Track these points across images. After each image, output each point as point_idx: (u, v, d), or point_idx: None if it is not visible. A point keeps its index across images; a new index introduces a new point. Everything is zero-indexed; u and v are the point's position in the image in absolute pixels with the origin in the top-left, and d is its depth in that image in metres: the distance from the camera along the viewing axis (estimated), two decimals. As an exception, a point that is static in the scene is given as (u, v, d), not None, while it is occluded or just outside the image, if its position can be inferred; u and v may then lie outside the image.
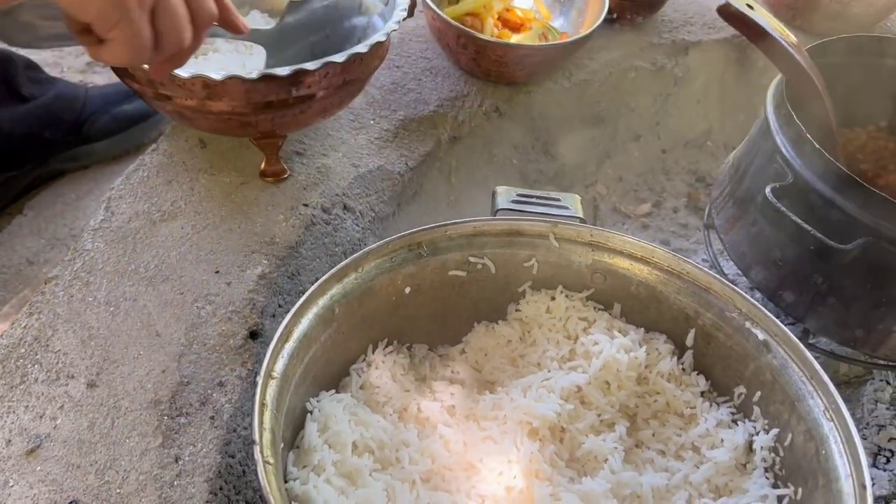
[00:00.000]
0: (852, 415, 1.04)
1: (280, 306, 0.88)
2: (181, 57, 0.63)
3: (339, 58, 0.82)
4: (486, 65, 1.14)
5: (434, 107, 1.14)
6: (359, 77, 0.89)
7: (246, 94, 0.82)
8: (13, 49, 1.49)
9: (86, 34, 0.55)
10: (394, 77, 1.17)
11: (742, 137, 1.38)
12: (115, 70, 0.86)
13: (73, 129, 1.33)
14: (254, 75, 0.79)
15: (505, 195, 0.83)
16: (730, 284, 0.73)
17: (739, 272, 1.02)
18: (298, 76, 0.81)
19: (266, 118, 0.88)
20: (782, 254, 0.93)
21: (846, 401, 1.07)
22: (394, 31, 0.88)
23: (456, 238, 0.78)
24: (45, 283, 0.87)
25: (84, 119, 1.34)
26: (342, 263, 0.70)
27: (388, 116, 1.11)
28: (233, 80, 0.79)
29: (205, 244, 0.89)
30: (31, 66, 1.36)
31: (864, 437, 1.01)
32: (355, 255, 0.71)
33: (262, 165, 0.97)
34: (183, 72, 0.78)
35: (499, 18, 1.25)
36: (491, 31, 1.22)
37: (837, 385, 1.08)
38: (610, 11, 1.20)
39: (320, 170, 1.01)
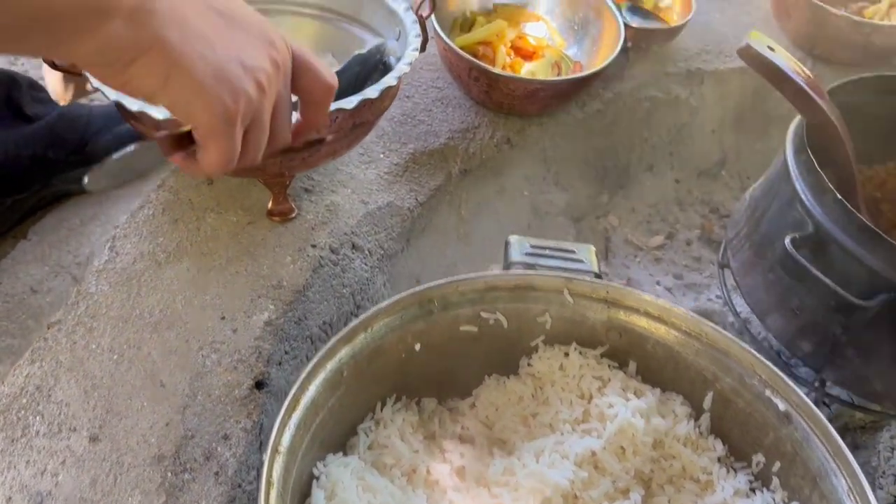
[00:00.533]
0: (867, 462, 1.03)
1: (286, 353, 0.87)
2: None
3: (348, 104, 0.80)
4: (498, 97, 1.12)
5: (445, 139, 1.12)
6: (369, 119, 0.87)
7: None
8: (15, 69, 1.48)
9: (177, 146, 0.54)
10: (404, 108, 1.15)
11: (757, 167, 1.36)
12: (121, 110, 0.84)
13: (77, 148, 1.31)
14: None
15: (518, 246, 0.81)
16: (750, 349, 0.71)
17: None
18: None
19: (274, 162, 0.86)
20: (801, 303, 0.91)
21: (860, 447, 1.06)
22: (405, 73, 0.86)
23: (468, 293, 0.76)
24: (49, 329, 0.85)
25: (88, 138, 1.32)
26: (351, 325, 0.69)
27: (397, 150, 1.09)
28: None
29: (211, 288, 0.88)
30: (35, 86, 1.35)
31: (879, 487, 0.99)
32: (364, 316, 0.70)
33: (270, 204, 0.95)
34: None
35: (511, 46, 1.23)
36: (503, 60, 1.20)
37: (852, 430, 1.07)
38: (625, 40, 1.18)
39: (329, 207, 0.99)
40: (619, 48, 1.12)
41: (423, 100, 1.17)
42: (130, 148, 0.63)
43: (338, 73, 0.90)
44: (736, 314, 1.09)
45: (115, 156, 0.62)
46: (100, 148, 1.33)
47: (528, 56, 1.25)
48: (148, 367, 0.81)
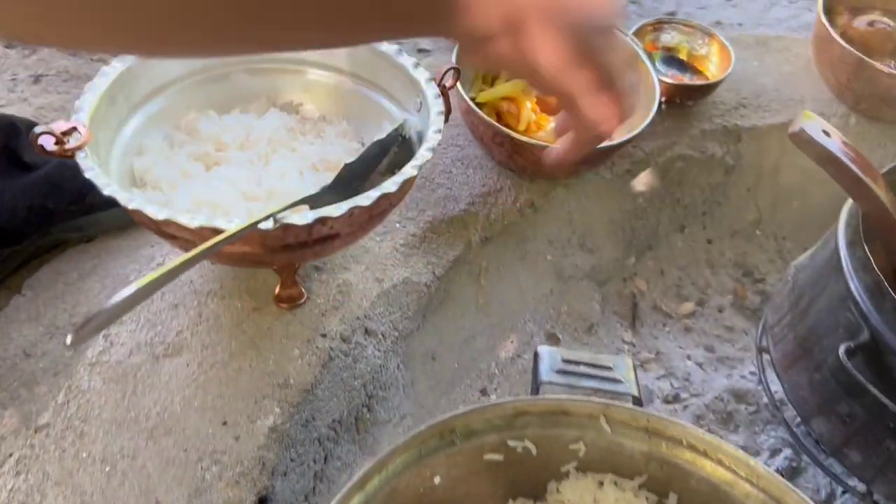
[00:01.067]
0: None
1: (293, 460, 0.80)
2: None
3: (365, 200, 0.73)
4: (522, 162, 1.04)
5: (465, 204, 1.05)
6: (386, 209, 0.80)
7: (261, 239, 0.73)
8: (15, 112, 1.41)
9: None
10: (422, 170, 1.07)
11: (794, 227, 1.28)
12: (137, 216, 0.77)
13: (76, 198, 1.25)
14: (270, 225, 0.70)
15: (548, 361, 0.74)
16: (806, 499, 0.64)
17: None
18: (321, 222, 0.72)
19: (283, 257, 0.79)
20: (850, 411, 0.84)
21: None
22: (427, 160, 0.78)
23: (494, 420, 0.69)
24: (36, 433, 0.79)
25: (88, 188, 1.25)
26: (364, 469, 0.62)
27: (415, 218, 1.02)
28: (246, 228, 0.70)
29: (212, 387, 0.81)
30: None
31: None
32: (380, 457, 0.63)
33: (278, 289, 0.88)
34: (186, 219, 0.69)
35: (537, 102, 1.15)
36: (528, 118, 1.12)
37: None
38: (660, 97, 1.10)
39: (341, 289, 0.92)
40: (654, 108, 1.05)
41: (443, 159, 1.10)
42: (120, 297, 0.57)
43: (355, 161, 0.83)
44: (772, 399, 1.01)
45: (107, 305, 0.56)
46: (100, 198, 1.26)
47: (553, 111, 1.17)
48: (143, 481, 0.74)
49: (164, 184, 0.85)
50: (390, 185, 0.75)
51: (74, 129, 0.76)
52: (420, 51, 1.75)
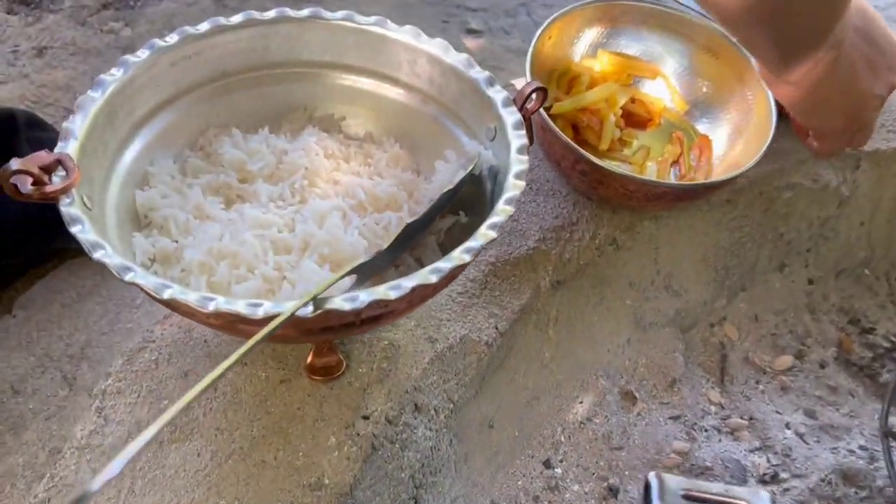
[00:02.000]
0: None
1: (325, 586, 0.64)
2: None
3: (433, 276, 0.56)
4: (606, 193, 0.86)
5: (534, 241, 0.87)
6: (454, 277, 0.63)
7: (295, 321, 0.56)
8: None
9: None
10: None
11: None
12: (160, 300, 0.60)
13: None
14: (309, 311, 0.53)
15: (663, 496, 0.57)
16: None
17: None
18: (375, 305, 0.55)
19: (321, 337, 0.63)
20: None
21: None
22: (501, 223, 0.61)
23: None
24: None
25: None
26: None
27: (475, 260, 0.84)
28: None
29: (227, 487, 0.65)
30: (34, 123, 1.11)
31: None
32: None
33: (310, 357, 0.71)
34: (198, 301, 0.52)
35: (623, 115, 0.96)
36: (612, 134, 0.93)
37: None
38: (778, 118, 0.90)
39: (387, 353, 0.75)
40: (771, 135, 0.85)
41: (508, 184, 0.91)
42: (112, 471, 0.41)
43: (418, 220, 0.66)
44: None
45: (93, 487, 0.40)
46: None
47: (640, 124, 0.98)
48: None
49: (174, 225, 0.68)
50: (464, 254, 0.57)
51: (59, 162, 0.59)
52: (469, 31, 1.55)
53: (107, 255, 0.55)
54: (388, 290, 0.54)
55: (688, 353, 1.01)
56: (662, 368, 0.98)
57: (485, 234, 0.59)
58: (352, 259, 0.67)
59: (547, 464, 0.89)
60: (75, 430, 0.68)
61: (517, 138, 0.67)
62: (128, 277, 0.54)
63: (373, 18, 0.76)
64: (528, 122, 0.70)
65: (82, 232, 0.56)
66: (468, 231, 0.71)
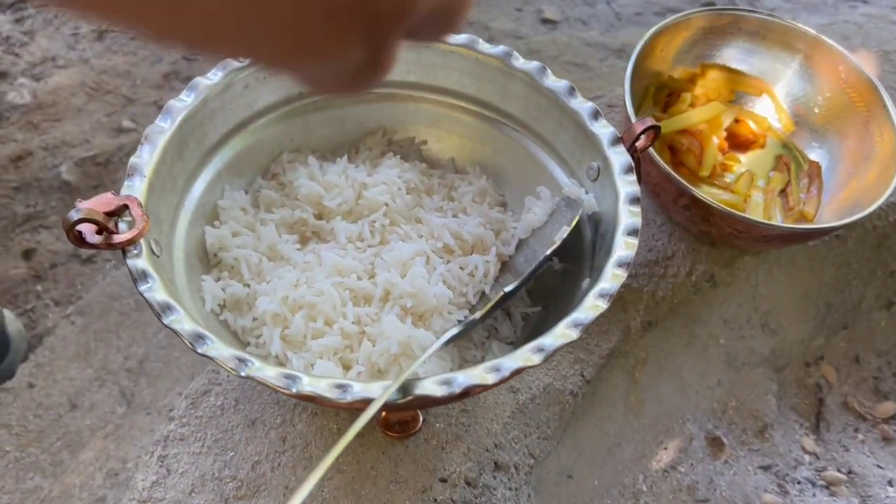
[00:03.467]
0: None
1: None
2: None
3: (537, 357, 0.49)
4: (710, 230, 0.78)
5: (626, 278, 0.79)
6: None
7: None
8: None
9: None
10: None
11: None
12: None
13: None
14: (397, 397, 0.47)
15: None
16: None
17: None
18: (471, 389, 0.48)
19: (404, 413, 0.57)
20: None
21: None
22: (618, 286, 0.54)
23: None
24: None
25: None
26: None
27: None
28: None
29: (296, 556, 0.60)
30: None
31: None
32: None
33: (385, 411, 0.66)
34: (275, 379, 0.47)
35: (727, 137, 0.88)
36: (714, 159, 0.85)
37: None
38: None
39: (465, 407, 0.69)
40: (898, 173, 0.76)
41: (598, 212, 0.84)
42: None
43: (517, 287, 0.59)
44: None
45: None
46: None
47: (742, 145, 0.89)
48: None
49: (246, 268, 0.62)
50: (571, 330, 0.51)
51: (125, 207, 0.53)
52: (544, 21, 1.46)
53: (178, 320, 0.50)
54: (485, 374, 0.48)
55: (781, 395, 0.93)
56: (753, 412, 0.91)
57: (594, 305, 0.53)
58: (435, 311, 0.61)
59: (627, 515, 0.83)
60: (136, 479, 0.64)
61: (627, 185, 0.60)
62: (201, 350, 0.48)
63: (464, 37, 0.69)
64: (637, 162, 0.62)
65: (150, 291, 0.51)
66: (562, 278, 0.65)
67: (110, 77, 1.32)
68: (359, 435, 0.65)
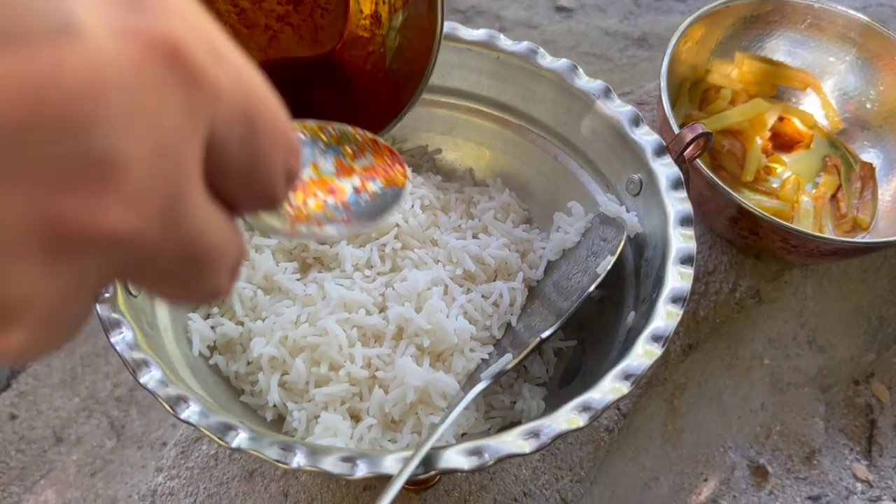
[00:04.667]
0: None
1: None
2: None
3: (582, 419, 0.41)
4: (759, 244, 0.70)
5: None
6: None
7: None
8: None
9: None
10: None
11: None
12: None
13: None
14: (420, 472, 0.40)
15: None
16: None
17: None
18: (501, 460, 0.41)
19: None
20: None
21: None
22: (656, 357, 0.46)
23: None
24: None
25: None
26: None
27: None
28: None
29: None
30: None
31: None
32: None
33: (401, 460, 0.58)
34: (273, 456, 0.39)
35: (771, 137, 0.79)
36: (758, 162, 0.77)
37: None
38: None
39: (491, 450, 0.61)
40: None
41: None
42: None
43: (552, 333, 0.51)
44: None
45: None
46: None
47: (786, 146, 0.81)
48: None
49: (239, 303, 0.54)
50: (621, 383, 0.43)
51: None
52: (559, 9, 1.37)
53: (154, 378, 0.42)
54: (522, 441, 0.41)
55: (829, 417, 0.86)
56: (800, 436, 0.83)
57: (648, 350, 0.45)
58: (456, 349, 0.53)
59: (666, 557, 0.76)
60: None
61: (676, 202, 0.52)
62: (183, 416, 0.41)
63: (482, 32, 0.61)
64: (686, 175, 0.54)
65: (122, 344, 0.43)
66: (600, 307, 0.57)
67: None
68: (370, 487, 0.57)
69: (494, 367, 0.50)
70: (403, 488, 0.58)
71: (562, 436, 0.41)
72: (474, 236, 0.60)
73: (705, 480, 0.79)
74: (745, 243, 0.72)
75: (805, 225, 0.72)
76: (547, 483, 0.63)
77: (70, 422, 0.87)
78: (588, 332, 0.57)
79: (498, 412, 0.53)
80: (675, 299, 0.47)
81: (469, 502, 0.58)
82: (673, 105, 0.79)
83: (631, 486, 0.75)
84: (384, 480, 0.58)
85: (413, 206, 0.59)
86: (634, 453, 0.75)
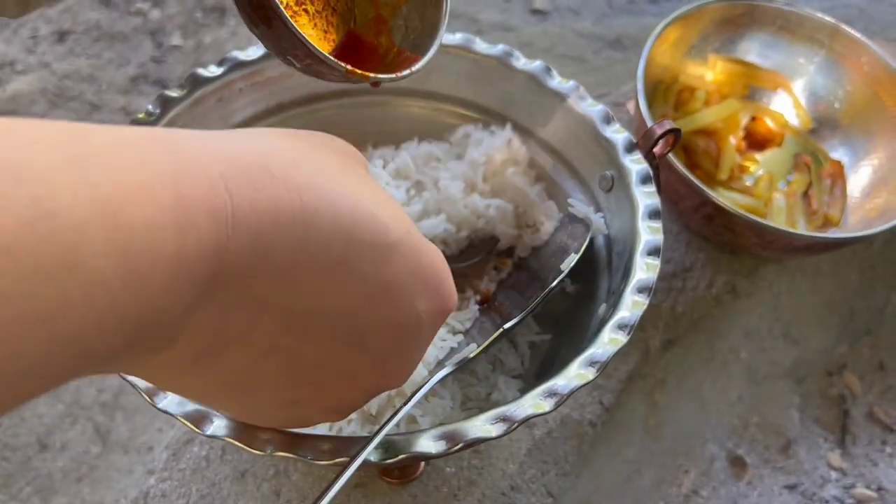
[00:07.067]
0: None
1: None
2: None
3: (548, 403, 0.43)
4: (735, 240, 0.72)
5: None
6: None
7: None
8: None
9: None
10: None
11: None
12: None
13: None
14: (377, 458, 0.41)
15: None
16: None
17: None
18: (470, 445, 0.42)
19: (397, 472, 0.50)
20: None
21: None
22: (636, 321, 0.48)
23: None
24: None
25: None
26: None
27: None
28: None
29: None
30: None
31: None
32: None
33: (388, 457, 0.59)
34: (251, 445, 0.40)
35: (745, 136, 0.82)
36: (731, 162, 0.79)
37: None
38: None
39: (477, 448, 0.63)
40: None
41: (609, 221, 0.77)
42: None
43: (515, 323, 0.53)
44: None
45: None
46: None
47: (759, 144, 0.83)
48: None
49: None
50: (586, 369, 0.44)
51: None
52: (534, 12, 1.39)
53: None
54: (489, 426, 0.42)
55: (804, 408, 0.88)
56: (776, 428, 0.85)
57: (613, 339, 0.46)
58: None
59: (649, 548, 0.77)
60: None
61: (645, 196, 0.53)
62: (161, 405, 0.41)
63: (459, 36, 0.62)
64: (656, 171, 0.56)
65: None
66: (575, 301, 0.59)
67: (73, 82, 1.24)
68: (361, 484, 0.58)
69: (459, 356, 0.51)
70: (388, 482, 0.59)
71: (528, 419, 0.42)
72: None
73: (686, 472, 0.81)
74: (720, 240, 0.74)
75: (778, 221, 0.74)
76: (533, 477, 0.64)
77: (54, 428, 0.86)
78: (563, 325, 0.58)
79: (474, 403, 0.54)
80: (640, 289, 0.48)
81: (458, 497, 0.60)
82: (649, 107, 0.81)
83: (614, 478, 0.77)
84: (377, 482, 0.59)
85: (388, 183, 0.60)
86: (617, 447, 0.76)
